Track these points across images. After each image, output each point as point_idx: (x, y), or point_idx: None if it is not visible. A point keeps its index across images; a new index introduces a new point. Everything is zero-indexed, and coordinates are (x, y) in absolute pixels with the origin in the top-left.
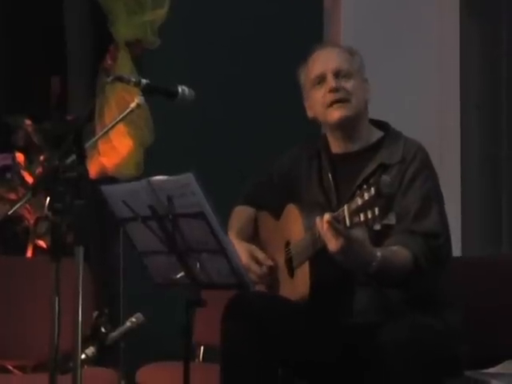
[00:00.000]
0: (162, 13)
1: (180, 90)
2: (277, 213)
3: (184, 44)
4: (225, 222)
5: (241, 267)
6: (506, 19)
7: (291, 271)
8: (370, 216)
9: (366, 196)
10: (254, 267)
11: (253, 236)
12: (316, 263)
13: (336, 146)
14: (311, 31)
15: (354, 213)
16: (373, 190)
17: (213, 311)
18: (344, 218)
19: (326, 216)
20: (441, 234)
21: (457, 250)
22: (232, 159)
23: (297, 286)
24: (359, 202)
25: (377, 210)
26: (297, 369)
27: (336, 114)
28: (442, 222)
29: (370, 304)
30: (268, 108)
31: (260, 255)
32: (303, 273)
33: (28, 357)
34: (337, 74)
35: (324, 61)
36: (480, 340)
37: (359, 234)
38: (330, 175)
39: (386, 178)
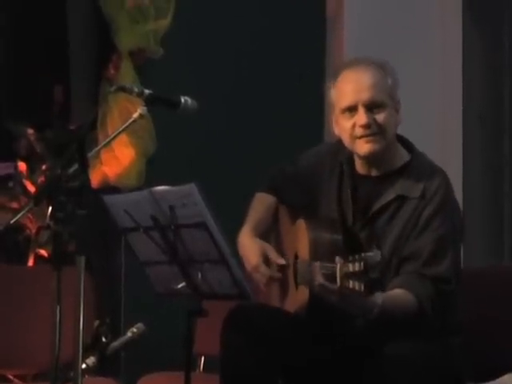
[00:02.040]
0: (165, 23)
1: (183, 100)
2: (293, 213)
3: (187, 54)
4: (227, 232)
5: (242, 278)
6: (508, 28)
7: (296, 283)
8: (356, 287)
9: (356, 267)
10: (263, 268)
11: (271, 226)
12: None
13: (360, 168)
14: (314, 40)
15: (345, 277)
16: (362, 265)
17: (214, 321)
18: (336, 276)
19: (317, 279)
20: (451, 281)
21: None
22: (234, 169)
23: (298, 299)
24: (350, 269)
25: (362, 287)
26: (297, 379)
27: (365, 148)
28: (454, 267)
29: (371, 324)
30: (271, 118)
31: (272, 254)
32: (304, 292)
33: (28, 366)
34: (369, 107)
35: (356, 89)
36: (481, 352)
37: (355, 284)
38: (349, 192)
39: (376, 255)
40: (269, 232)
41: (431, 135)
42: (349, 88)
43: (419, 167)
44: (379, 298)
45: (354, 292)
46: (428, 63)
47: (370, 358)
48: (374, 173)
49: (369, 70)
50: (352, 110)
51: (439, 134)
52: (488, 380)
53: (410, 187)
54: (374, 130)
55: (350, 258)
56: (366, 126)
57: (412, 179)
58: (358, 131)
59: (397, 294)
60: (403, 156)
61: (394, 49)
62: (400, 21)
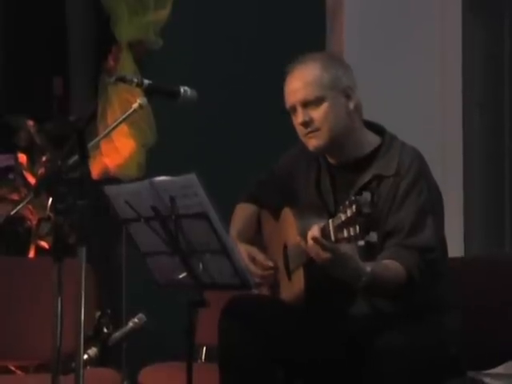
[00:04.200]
0: (164, 13)
1: (182, 90)
2: (277, 212)
3: (187, 44)
4: (227, 222)
5: (244, 268)
6: (508, 18)
7: (289, 274)
8: (352, 233)
9: (349, 213)
10: (253, 269)
11: (255, 234)
12: (310, 268)
13: (331, 159)
14: (314, 34)
15: (338, 228)
16: (354, 208)
17: (215, 312)
18: (329, 232)
19: (312, 232)
20: (436, 248)
21: (459, 250)
22: (234, 160)
23: (293, 289)
24: (342, 218)
25: (357, 228)
26: (295, 369)
27: (311, 144)
28: (437, 235)
29: (367, 309)
30: (270, 109)
31: (259, 256)
32: (299, 277)
33: (30, 357)
34: (305, 105)
35: (291, 91)
36: (482, 340)
37: (346, 248)
38: (327, 181)
39: (366, 196)
40: (253, 242)
41: (431, 123)
42: (287, 90)
43: (391, 148)
44: (369, 265)
45: (350, 238)
46: (428, 51)
47: (368, 350)
48: (345, 161)
49: (302, 69)
50: (294, 110)
51: (440, 123)
52: (489, 368)
53: (384, 166)
54: (314, 127)
55: (341, 208)
56: (304, 125)
57: (385, 159)
58: (300, 129)
59: (385, 263)
60: (372, 141)
61: (393, 40)
62: (400, 12)
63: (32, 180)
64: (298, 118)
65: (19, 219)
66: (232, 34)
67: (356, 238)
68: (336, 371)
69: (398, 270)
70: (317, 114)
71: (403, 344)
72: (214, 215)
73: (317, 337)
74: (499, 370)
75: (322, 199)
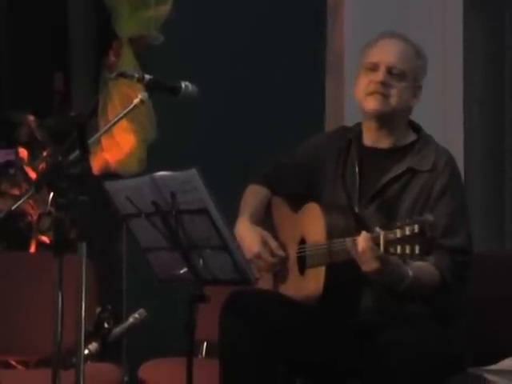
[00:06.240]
0: (165, 9)
1: (183, 86)
2: (293, 201)
3: (187, 40)
4: (228, 217)
5: (244, 263)
6: (509, 15)
7: (302, 268)
8: (407, 251)
9: (408, 231)
10: (266, 255)
11: (264, 219)
12: (334, 270)
13: (368, 138)
14: (315, 31)
15: (391, 243)
16: (416, 228)
17: (216, 307)
18: (379, 243)
19: (364, 242)
20: (468, 252)
21: None
22: (235, 155)
23: (306, 285)
24: (398, 234)
25: (417, 249)
26: (297, 366)
27: (372, 104)
28: (470, 239)
29: (375, 304)
30: (271, 104)
31: (273, 244)
32: (317, 275)
33: (31, 352)
34: (390, 70)
35: (384, 51)
36: (483, 336)
37: (406, 248)
38: (356, 166)
39: (430, 218)
40: (262, 225)
41: (433, 122)
42: (379, 48)
43: (427, 145)
44: (410, 269)
45: (403, 255)
46: (429, 48)
47: (371, 345)
48: (381, 144)
49: (403, 43)
50: (373, 68)
51: (440, 119)
52: (490, 364)
53: (419, 161)
54: (386, 90)
55: (398, 224)
56: (381, 83)
57: (421, 155)
58: (372, 86)
59: (421, 265)
60: (411, 136)
61: None
62: (400, 6)
63: (33, 175)
64: (379, 75)
65: (20, 214)
66: (232, 29)
67: (411, 256)
68: (337, 367)
69: (433, 274)
70: (396, 85)
71: (409, 340)
72: (214, 211)
73: (318, 332)
74: (500, 366)
75: (347, 190)
